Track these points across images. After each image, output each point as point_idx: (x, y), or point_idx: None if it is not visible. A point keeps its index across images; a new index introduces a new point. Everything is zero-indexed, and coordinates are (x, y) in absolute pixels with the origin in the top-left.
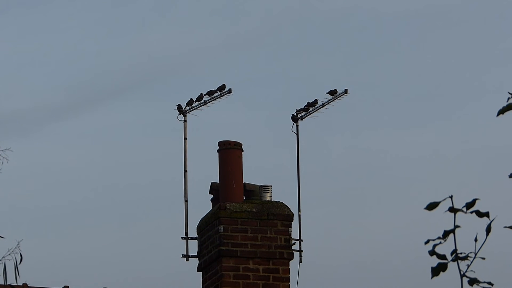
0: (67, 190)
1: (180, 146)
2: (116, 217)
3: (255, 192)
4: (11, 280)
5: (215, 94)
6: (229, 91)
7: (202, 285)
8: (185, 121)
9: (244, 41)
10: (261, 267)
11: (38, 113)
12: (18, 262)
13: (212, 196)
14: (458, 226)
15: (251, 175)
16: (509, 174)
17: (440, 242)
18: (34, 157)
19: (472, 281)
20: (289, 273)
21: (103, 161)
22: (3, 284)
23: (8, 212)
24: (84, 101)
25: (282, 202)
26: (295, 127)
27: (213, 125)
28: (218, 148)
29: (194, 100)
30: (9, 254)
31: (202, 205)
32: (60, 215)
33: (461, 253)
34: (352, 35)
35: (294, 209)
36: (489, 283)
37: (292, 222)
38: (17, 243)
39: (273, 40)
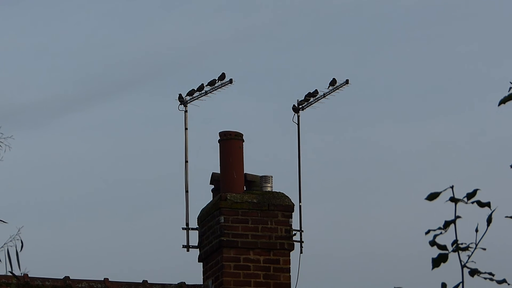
0: (76, 182)
1: (181, 137)
2: (119, 208)
3: (255, 183)
4: (13, 268)
5: (216, 84)
6: (230, 81)
7: (203, 275)
8: (186, 111)
9: (252, 35)
10: (261, 258)
11: (48, 105)
12: (19, 249)
13: (212, 186)
14: (459, 217)
15: (252, 166)
16: (510, 164)
17: (441, 233)
18: (44, 149)
19: (473, 272)
20: (289, 264)
21: (113, 153)
22: (5, 273)
23: (16, 203)
24: (94, 93)
25: (282, 193)
26: (296, 117)
27: (214, 115)
28: (219, 138)
29: (195, 90)
30: (11, 241)
31: (203, 196)
32: (66, 207)
33: (462, 244)
34: (360, 28)
35: (295, 199)
36: (490, 273)
37: (292, 213)
38: (17, 230)
39: (280, 33)
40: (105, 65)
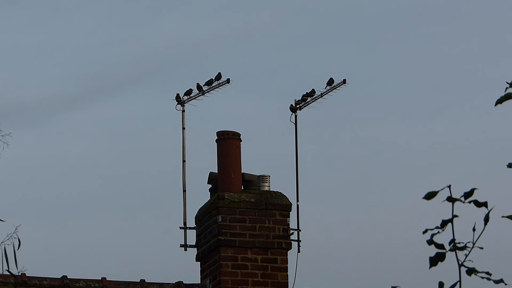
0: (74, 181)
1: (179, 136)
2: (116, 207)
3: (253, 182)
4: (10, 266)
5: (214, 84)
6: (228, 81)
7: (201, 274)
8: (183, 111)
9: (250, 34)
10: (259, 257)
11: (47, 104)
12: (17, 248)
13: (210, 186)
14: (456, 216)
15: (249, 165)
16: (507, 164)
17: (438, 232)
18: (42, 148)
19: (470, 271)
20: (287, 263)
21: (111, 152)
22: (1, 272)
23: (14, 202)
24: (93, 91)
25: (280, 192)
26: (294, 117)
27: (211, 115)
28: (217, 138)
29: (193, 90)
30: (8, 239)
31: (201, 195)
32: (64, 206)
33: (459, 243)
34: (359, 27)
35: (292, 199)
36: (487, 273)
37: (290, 212)
38: (15, 228)
39: (278, 32)
40: (104, 64)
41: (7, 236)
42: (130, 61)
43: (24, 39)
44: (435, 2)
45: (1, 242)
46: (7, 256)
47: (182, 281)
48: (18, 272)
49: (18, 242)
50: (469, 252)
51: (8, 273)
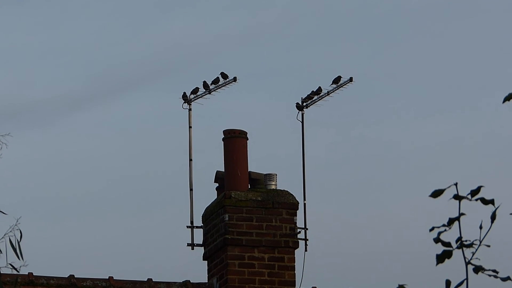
0: (81, 180)
1: (186, 135)
2: (123, 206)
3: (260, 181)
4: (12, 259)
5: (220, 82)
6: (234, 79)
7: (208, 273)
8: (190, 109)
9: (257, 33)
10: (266, 256)
11: (55, 103)
12: (19, 239)
13: (217, 184)
14: (463, 214)
15: (256, 164)
16: None
17: (445, 230)
18: (49, 147)
19: (477, 269)
20: (294, 262)
21: (118, 151)
22: (5, 265)
23: (21, 201)
24: (101, 91)
25: (287, 191)
26: (300, 115)
27: (218, 113)
28: (223, 136)
29: (199, 89)
30: (11, 231)
31: (208, 194)
32: (71, 205)
33: (466, 241)
34: (369, 24)
35: (299, 197)
36: (494, 270)
37: (297, 211)
38: (16, 220)
39: (285, 31)
40: (112, 64)
41: (10, 228)
42: (137, 61)
43: (32, 39)
44: (442, 0)
45: (4, 235)
46: (14, 246)
47: (189, 280)
48: (20, 267)
49: (20, 234)
50: (476, 250)
51: (10, 267)
